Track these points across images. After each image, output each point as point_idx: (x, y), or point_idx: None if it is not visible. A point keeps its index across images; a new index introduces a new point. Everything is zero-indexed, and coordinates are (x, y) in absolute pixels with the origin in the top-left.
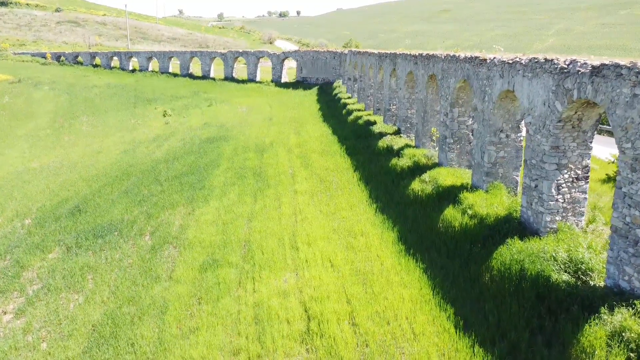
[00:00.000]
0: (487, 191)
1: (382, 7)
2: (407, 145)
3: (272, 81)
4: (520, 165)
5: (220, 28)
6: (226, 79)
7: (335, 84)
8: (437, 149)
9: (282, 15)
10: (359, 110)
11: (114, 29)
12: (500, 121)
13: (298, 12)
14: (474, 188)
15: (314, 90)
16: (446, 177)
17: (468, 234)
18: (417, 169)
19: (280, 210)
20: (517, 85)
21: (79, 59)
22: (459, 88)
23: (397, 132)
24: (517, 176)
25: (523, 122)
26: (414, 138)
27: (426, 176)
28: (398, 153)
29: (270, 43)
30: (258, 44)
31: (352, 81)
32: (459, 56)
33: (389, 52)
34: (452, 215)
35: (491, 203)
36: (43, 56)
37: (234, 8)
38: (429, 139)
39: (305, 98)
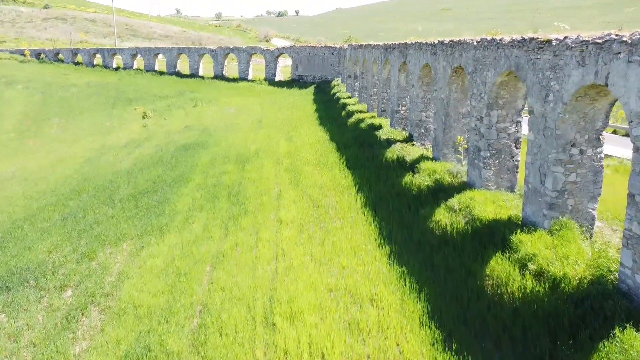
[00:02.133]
0: (551, 232)
1: (381, 5)
2: (424, 157)
3: (265, 80)
4: (599, 194)
5: (216, 27)
6: (216, 77)
7: (333, 83)
8: (464, 163)
9: (281, 14)
10: (360, 111)
11: (104, 26)
12: (572, 131)
13: (297, 12)
14: (529, 225)
15: (311, 89)
16: (483, 204)
17: (540, 311)
18: (441, 191)
19: (256, 251)
20: (614, 76)
21: (60, 56)
22: (500, 84)
23: (409, 139)
24: (594, 210)
25: (632, 133)
26: (430, 147)
27: (454, 202)
28: (412, 167)
29: (267, 41)
30: (254, 42)
31: (352, 79)
32: (501, 40)
33: (397, 42)
34: (505, 271)
35: (565, 254)
36: (22, 53)
37: (233, 8)
38: (453, 150)
39: (301, 98)
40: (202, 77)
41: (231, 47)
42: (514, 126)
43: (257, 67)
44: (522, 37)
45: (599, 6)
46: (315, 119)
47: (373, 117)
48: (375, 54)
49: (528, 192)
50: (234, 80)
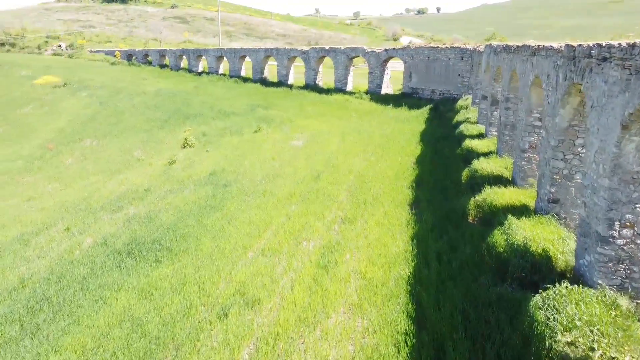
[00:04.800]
0: None
1: None
2: None
3: (367, 92)
4: None
5: (346, 25)
6: (307, 86)
7: (460, 103)
8: None
9: (420, 12)
10: (498, 178)
11: (221, 25)
12: None
13: (438, 9)
14: None
15: (424, 110)
16: None
17: None
18: None
19: None
20: None
21: (149, 58)
22: None
23: None
24: None
25: None
26: None
27: None
28: None
29: (395, 40)
30: (381, 41)
31: (488, 103)
32: None
33: (630, 42)
34: None
35: None
36: (114, 55)
37: (372, 7)
38: None
39: (405, 127)
40: (290, 87)
41: (327, 47)
42: None
43: (360, 74)
44: None
45: None
46: (409, 184)
47: (526, 205)
48: (541, 66)
49: None
50: (327, 91)
